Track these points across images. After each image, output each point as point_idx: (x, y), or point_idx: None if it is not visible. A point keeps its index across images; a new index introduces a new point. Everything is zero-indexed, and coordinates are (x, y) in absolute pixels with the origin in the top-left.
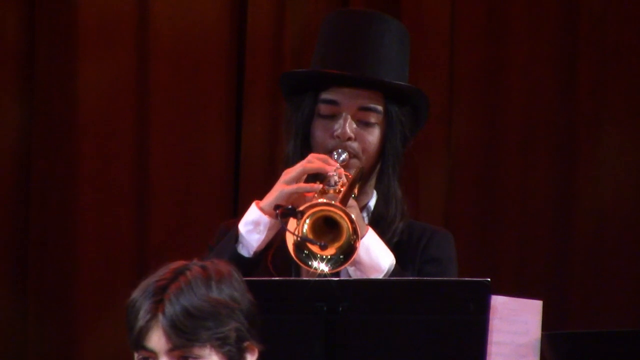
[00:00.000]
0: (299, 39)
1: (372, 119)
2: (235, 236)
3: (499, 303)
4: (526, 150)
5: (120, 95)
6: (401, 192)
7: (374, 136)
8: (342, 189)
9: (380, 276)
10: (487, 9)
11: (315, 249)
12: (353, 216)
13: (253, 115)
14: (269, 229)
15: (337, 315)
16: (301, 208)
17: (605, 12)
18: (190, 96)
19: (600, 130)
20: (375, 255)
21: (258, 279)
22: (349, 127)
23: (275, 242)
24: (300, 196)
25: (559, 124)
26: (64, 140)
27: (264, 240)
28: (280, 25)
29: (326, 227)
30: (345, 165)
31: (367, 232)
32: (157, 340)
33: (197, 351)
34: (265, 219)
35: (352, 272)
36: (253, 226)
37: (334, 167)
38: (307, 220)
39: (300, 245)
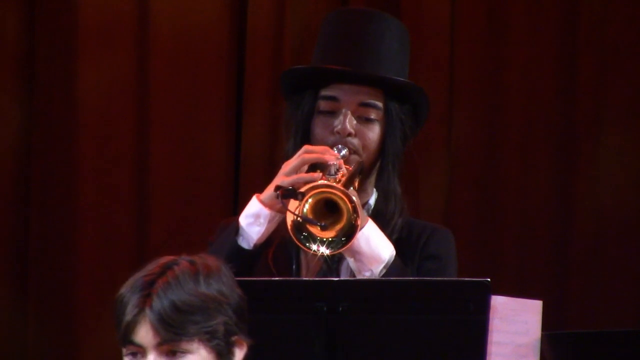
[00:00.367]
0: (299, 39)
1: (373, 115)
2: (236, 229)
3: (499, 303)
4: (526, 150)
5: (120, 95)
6: (401, 189)
7: (374, 133)
8: (342, 179)
9: (381, 266)
10: (487, 9)
11: (315, 230)
12: (354, 197)
13: (253, 115)
14: (269, 222)
15: (337, 315)
16: (302, 189)
17: (605, 12)
18: (190, 96)
19: (600, 131)
20: (376, 245)
21: (258, 279)
22: (349, 123)
23: (276, 240)
24: (300, 186)
25: (559, 124)
26: (64, 140)
27: (264, 233)
28: (280, 25)
29: (326, 211)
30: (345, 161)
31: (367, 222)
32: (145, 334)
33: (185, 345)
34: (266, 212)
35: (352, 263)
36: (253, 219)
37: (334, 156)
38: (309, 201)
39: (299, 226)
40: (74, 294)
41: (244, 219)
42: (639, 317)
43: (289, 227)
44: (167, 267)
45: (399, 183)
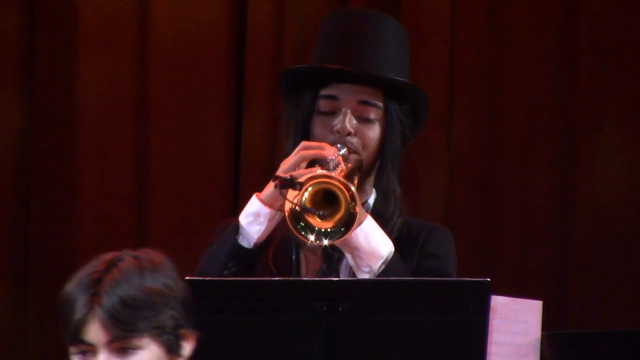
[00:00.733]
0: (299, 39)
1: (372, 114)
2: (236, 228)
3: (499, 303)
4: (526, 150)
5: (120, 96)
6: (400, 189)
7: (373, 132)
8: (341, 173)
9: (380, 262)
10: (487, 9)
11: (313, 221)
12: (353, 188)
13: (253, 115)
14: (270, 220)
15: (337, 315)
16: (301, 179)
17: (605, 12)
18: (190, 96)
19: (600, 131)
20: (375, 242)
21: (258, 279)
22: (349, 122)
23: (276, 239)
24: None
25: (559, 124)
26: (64, 140)
27: (264, 232)
28: (280, 25)
29: (325, 202)
30: (344, 160)
31: (366, 218)
32: (95, 333)
33: (136, 342)
34: (266, 210)
35: (350, 259)
36: (253, 217)
37: (332, 151)
38: (308, 190)
39: (297, 215)
40: None
41: (244, 218)
42: (639, 317)
43: (287, 216)
44: (112, 264)
45: (398, 183)
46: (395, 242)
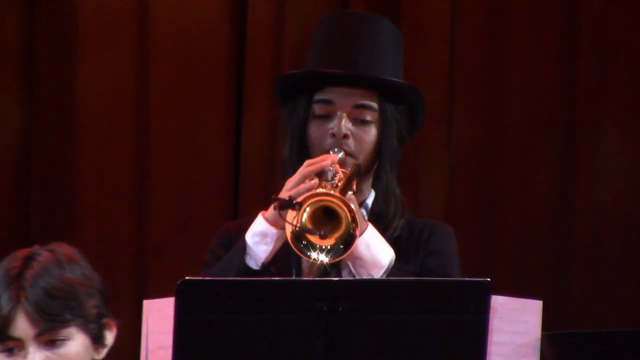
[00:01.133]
0: (299, 39)
1: (368, 116)
2: (243, 248)
3: (499, 303)
4: (526, 150)
5: (120, 96)
6: (399, 189)
7: (370, 134)
8: (339, 184)
9: (381, 271)
10: (487, 9)
11: (314, 239)
12: (352, 206)
13: (253, 115)
14: (277, 240)
15: (337, 315)
16: (299, 199)
17: (605, 12)
18: (190, 96)
19: (600, 131)
20: (376, 251)
21: (258, 279)
22: (345, 125)
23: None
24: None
25: (559, 124)
26: (64, 140)
27: (271, 252)
28: (280, 25)
29: (325, 218)
30: (342, 163)
31: (367, 227)
32: (22, 327)
33: (64, 332)
34: (273, 231)
35: (352, 268)
36: (260, 237)
37: (331, 159)
38: (307, 210)
39: (299, 235)
40: None
41: (250, 238)
42: (639, 317)
43: (289, 237)
44: (29, 259)
45: (397, 183)
46: (398, 241)
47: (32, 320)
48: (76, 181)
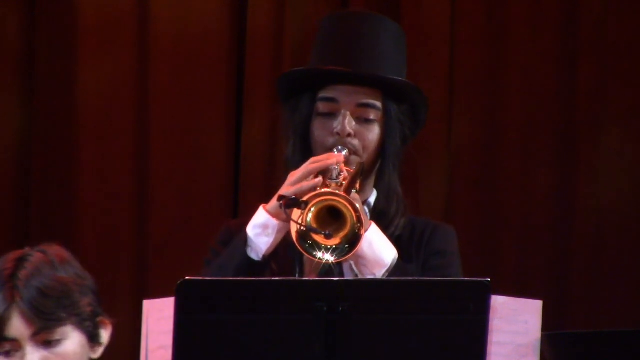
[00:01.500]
0: (299, 39)
1: (371, 115)
2: (244, 240)
3: (499, 303)
4: (526, 150)
5: (120, 96)
6: (401, 189)
7: (373, 133)
8: (344, 182)
9: (384, 270)
10: (487, 9)
11: (319, 238)
12: (357, 205)
13: (253, 115)
14: (278, 232)
15: (337, 315)
16: (305, 198)
17: (605, 12)
18: (190, 96)
19: (600, 131)
20: (379, 250)
21: (258, 279)
22: (349, 123)
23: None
24: (305, 194)
25: (559, 124)
26: (64, 140)
27: (272, 243)
28: (280, 25)
29: (330, 218)
30: (346, 162)
31: (370, 226)
32: (18, 327)
33: (60, 331)
34: (274, 222)
35: (354, 267)
36: (261, 229)
37: (336, 158)
38: (312, 210)
39: (304, 235)
40: None
41: (251, 230)
42: (639, 317)
43: (294, 236)
44: (21, 260)
45: (399, 183)
46: (400, 240)
47: (28, 320)
48: (76, 181)
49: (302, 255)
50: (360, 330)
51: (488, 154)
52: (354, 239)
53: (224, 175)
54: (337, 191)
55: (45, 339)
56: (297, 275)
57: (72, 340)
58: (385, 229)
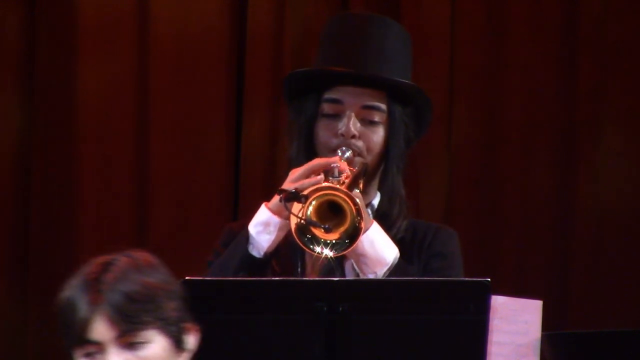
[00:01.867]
0: (299, 39)
1: (376, 117)
2: (246, 237)
3: (499, 303)
4: (526, 150)
5: (120, 96)
6: (404, 192)
7: (378, 135)
8: (346, 180)
9: (385, 269)
10: (487, 9)
11: (319, 232)
12: (357, 200)
13: (253, 115)
14: (280, 230)
15: (337, 315)
16: (305, 192)
17: (605, 12)
18: (190, 96)
19: (600, 131)
20: (380, 248)
21: (258, 279)
22: (353, 125)
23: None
24: (304, 189)
25: (559, 124)
26: (64, 140)
27: (274, 241)
28: (280, 25)
29: (330, 213)
30: (349, 163)
31: (371, 225)
32: (102, 330)
33: (144, 335)
34: (275, 220)
35: (355, 265)
36: (263, 227)
37: (337, 158)
38: (312, 204)
39: (303, 228)
40: None
41: (253, 228)
42: (639, 317)
43: (293, 230)
44: (108, 264)
45: (402, 185)
46: (401, 243)
47: (112, 323)
48: (76, 181)
49: (303, 253)
50: (360, 330)
51: (488, 154)
52: (353, 234)
53: (224, 175)
54: (338, 186)
55: (128, 342)
56: (297, 274)
57: (156, 344)
58: (387, 230)
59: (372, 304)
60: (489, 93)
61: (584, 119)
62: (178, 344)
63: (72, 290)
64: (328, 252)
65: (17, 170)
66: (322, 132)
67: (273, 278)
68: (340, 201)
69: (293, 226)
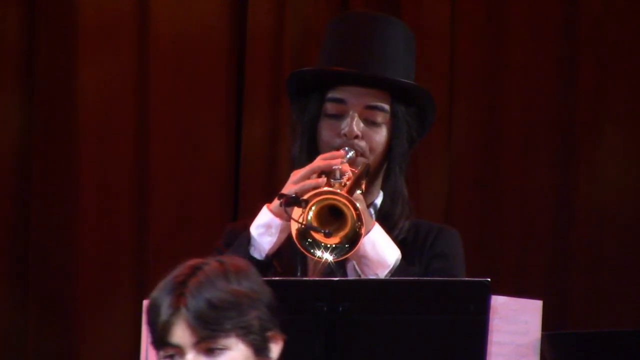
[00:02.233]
0: (299, 39)
1: (379, 118)
2: (248, 239)
3: (499, 303)
4: (526, 150)
5: (120, 96)
6: (407, 191)
7: (380, 135)
8: (347, 183)
9: (386, 271)
10: (487, 9)
11: (319, 237)
12: (358, 205)
13: (253, 115)
14: (281, 231)
15: (337, 315)
16: (306, 197)
17: (605, 12)
18: (190, 96)
19: (600, 130)
20: (382, 250)
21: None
22: (356, 125)
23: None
24: (307, 192)
25: (559, 124)
26: (64, 140)
27: (276, 243)
28: (280, 25)
29: (331, 217)
30: (352, 163)
31: (373, 226)
32: (181, 334)
33: (223, 342)
34: (277, 222)
35: (357, 267)
36: (264, 229)
37: (340, 159)
38: (312, 209)
39: (304, 233)
40: (74, 294)
41: (255, 230)
42: (639, 317)
43: (294, 235)
44: (197, 268)
45: (405, 185)
46: (403, 243)
47: (191, 328)
48: (76, 181)
49: (304, 255)
50: (360, 330)
51: (488, 154)
52: (354, 238)
53: (224, 175)
54: (338, 190)
55: (207, 348)
56: (298, 275)
57: (235, 351)
58: (389, 231)
59: (372, 304)
60: (489, 93)
61: (584, 119)
62: (259, 352)
63: (159, 291)
64: (328, 257)
65: (17, 170)
66: (325, 131)
67: (273, 278)
68: (341, 206)
69: (294, 231)
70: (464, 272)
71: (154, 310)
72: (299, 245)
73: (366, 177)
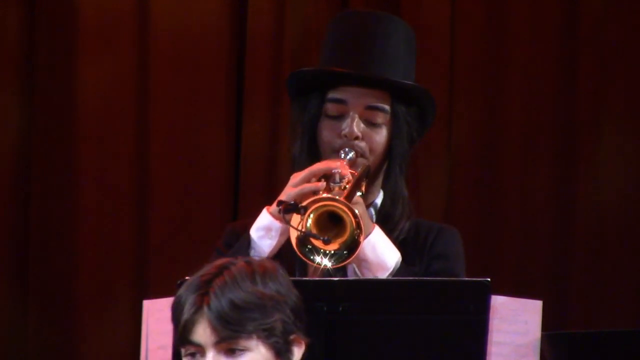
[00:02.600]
0: (299, 39)
1: (379, 119)
2: (248, 242)
3: (499, 303)
4: (526, 150)
5: (120, 95)
6: (407, 192)
7: (381, 136)
8: (347, 186)
9: (386, 273)
10: (487, 9)
11: (318, 243)
12: (357, 211)
13: (253, 115)
14: (281, 235)
15: (337, 315)
16: (304, 203)
17: (605, 12)
18: (190, 96)
19: (600, 130)
20: (382, 253)
21: None
22: (357, 126)
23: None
24: (306, 197)
25: (559, 124)
26: (64, 141)
27: (276, 246)
28: (280, 25)
29: (330, 223)
30: (352, 164)
31: (373, 229)
32: (203, 333)
33: (244, 343)
34: (277, 225)
35: (357, 269)
36: (264, 232)
37: (338, 162)
38: (311, 216)
39: (303, 240)
40: (74, 294)
41: (255, 232)
42: (639, 317)
43: (294, 241)
44: (223, 268)
45: (405, 185)
46: (403, 243)
47: (212, 328)
48: (76, 181)
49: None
50: (360, 330)
51: (488, 154)
52: (353, 245)
53: (224, 175)
54: (337, 197)
55: (228, 348)
56: (299, 273)
57: (256, 353)
58: (390, 232)
59: (372, 304)
60: (489, 93)
61: (584, 119)
62: (280, 355)
63: (185, 289)
64: (327, 263)
65: (17, 170)
66: (326, 132)
67: None
68: (340, 212)
69: (293, 239)
70: (464, 271)
71: (178, 308)
72: (298, 252)
73: (366, 179)
